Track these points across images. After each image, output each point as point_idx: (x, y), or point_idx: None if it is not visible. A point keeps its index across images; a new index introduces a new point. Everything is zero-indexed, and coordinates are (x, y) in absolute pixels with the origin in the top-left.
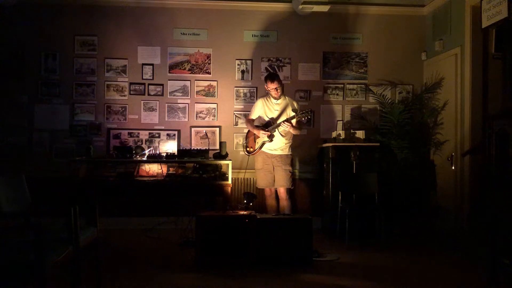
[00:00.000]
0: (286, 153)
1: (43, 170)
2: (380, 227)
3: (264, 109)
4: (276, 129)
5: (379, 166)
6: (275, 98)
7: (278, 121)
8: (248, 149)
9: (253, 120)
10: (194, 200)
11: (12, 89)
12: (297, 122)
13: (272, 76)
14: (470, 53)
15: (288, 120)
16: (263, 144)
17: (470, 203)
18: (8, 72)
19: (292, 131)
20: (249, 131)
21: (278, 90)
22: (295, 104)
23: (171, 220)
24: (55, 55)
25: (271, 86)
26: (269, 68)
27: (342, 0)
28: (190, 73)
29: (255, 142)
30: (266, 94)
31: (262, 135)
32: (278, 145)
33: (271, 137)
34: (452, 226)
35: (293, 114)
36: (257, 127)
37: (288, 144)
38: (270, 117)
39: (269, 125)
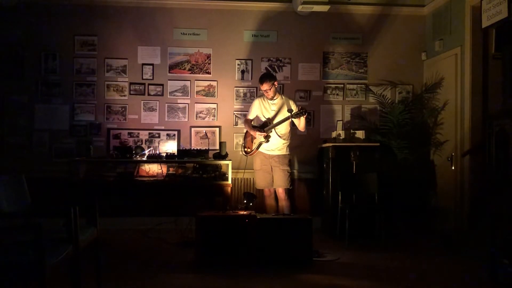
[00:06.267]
0: (284, 153)
1: (43, 170)
2: (380, 227)
3: (261, 109)
4: (273, 130)
5: (379, 166)
6: (269, 99)
7: (275, 122)
8: (245, 149)
9: (251, 120)
10: (194, 200)
11: (12, 89)
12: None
13: (261, 79)
14: (470, 53)
15: (284, 121)
16: (260, 144)
17: (470, 203)
18: (8, 72)
19: (301, 128)
20: (247, 131)
21: (269, 92)
22: (292, 104)
23: (171, 220)
24: (55, 55)
25: (262, 88)
26: (269, 68)
27: (342, 0)
28: (190, 73)
29: (252, 142)
30: (263, 94)
31: (259, 136)
32: (275, 145)
33: (267, 138)
34: (452, 226)
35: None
36: (254, 127)
37: (285, 145)
38: (266, 117)
39: (266, 126)
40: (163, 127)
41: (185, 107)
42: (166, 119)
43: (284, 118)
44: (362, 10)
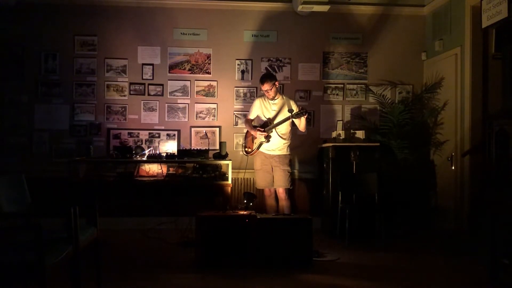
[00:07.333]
0: (285, 153)
1: (43, 170)
2: (380, 227)
3: (261, 109)
4: (274, 130)
5: (379, 166)
6: (269, 99)
7: (275, 122)
8: (246, 149)
9: (251, 120)
10: (194, 200)
11: (12, 89)
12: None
13: (262, 79)
14: (470, 53)
15: (285, 121)
16: (260, 144)
17: (470, 203)
18: (8, 72)
19: (301, 129)
20: (247, 131)
21: (270, 92)
22: (292, 104)
23: (171, 220)
24: (55, 55)
25: (263, 89)
26: (269, 68)
27: (342, 0)
28: (190, 73)
29: (253, 142)
30: (264, 94)
31: (259, 136)
32: (276, 145)
33: (268, 138)
34: (452, 226)
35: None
36: (255, 127)
37: (286, 144)
38: (267, 117)
39: (266, 126)
40: (163, 127)
41: (185, 107)
42: (166, 119)
43: (285, 118)
44: (362, 10)
